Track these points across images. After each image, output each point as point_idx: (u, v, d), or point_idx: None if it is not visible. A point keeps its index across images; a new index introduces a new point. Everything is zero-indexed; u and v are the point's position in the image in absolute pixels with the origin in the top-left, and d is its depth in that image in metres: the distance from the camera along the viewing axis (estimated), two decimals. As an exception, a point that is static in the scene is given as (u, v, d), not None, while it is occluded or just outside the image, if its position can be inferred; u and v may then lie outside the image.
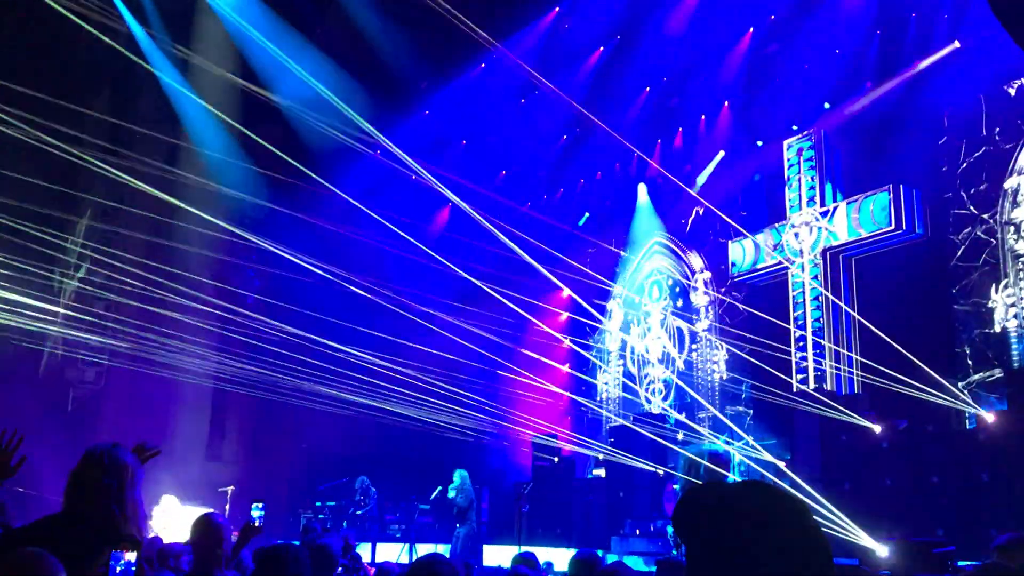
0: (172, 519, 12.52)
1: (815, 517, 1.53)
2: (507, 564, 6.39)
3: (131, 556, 2.69)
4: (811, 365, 14.39)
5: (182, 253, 16.63)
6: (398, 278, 18.57)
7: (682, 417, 16.78)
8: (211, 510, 5.94)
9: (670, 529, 10.50)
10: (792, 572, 1.43)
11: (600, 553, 12.16)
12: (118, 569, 2.64)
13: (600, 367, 19.91)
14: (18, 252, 14.05)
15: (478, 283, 15.37)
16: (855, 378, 13.96)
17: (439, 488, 15.55)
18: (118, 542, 2.78)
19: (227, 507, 14.20)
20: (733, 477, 11.00)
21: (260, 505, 4.93)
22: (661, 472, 14.08)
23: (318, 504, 17.03)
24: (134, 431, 15.97)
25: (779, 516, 1.48)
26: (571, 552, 12.84)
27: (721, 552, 1.47)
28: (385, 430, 17.84)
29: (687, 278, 17.88)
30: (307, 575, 3.56)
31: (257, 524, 4.83)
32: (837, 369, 14.10)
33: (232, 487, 14.72)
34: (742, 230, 15.57)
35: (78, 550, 2.73)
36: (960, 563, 7.90)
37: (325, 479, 17.62)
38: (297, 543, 6.30)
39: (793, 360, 14.67)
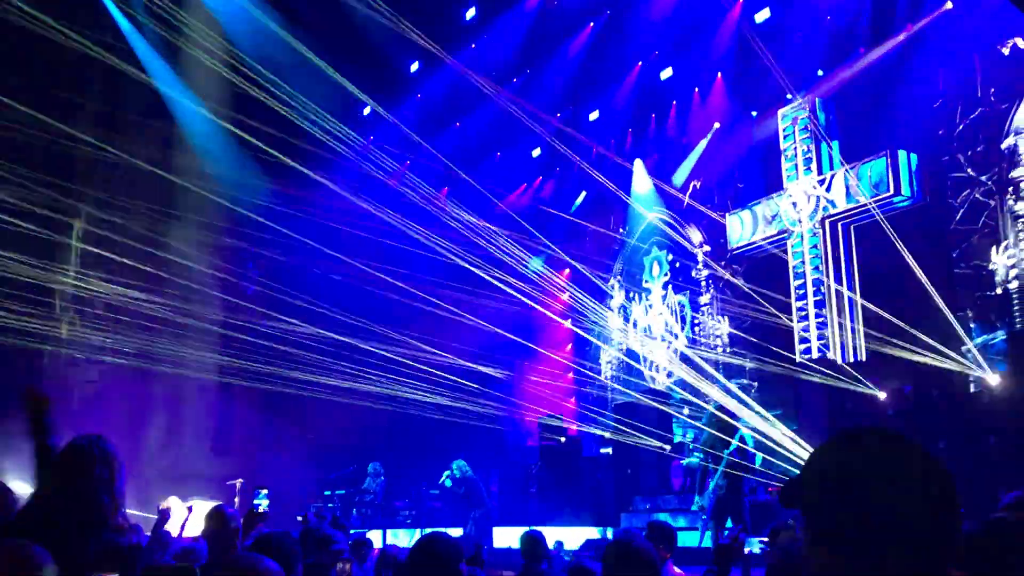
0: (175, 517, 12.47)
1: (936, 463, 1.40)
2: (516, 545, 6.40)
3: None
4: (814, 334, 14.37)
5: (181, 246, 16.59)
6: (398, 261, 18.51)
7: (686, 394, 16.80)
8: (219, 503, 5.93)
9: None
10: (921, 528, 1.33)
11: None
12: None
13: (603, 346, 19.91)
14: (16, 249, 14.03)
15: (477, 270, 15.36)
16: (858, 346, 13.94)
17: (447, 473, 15.58)
18: (106, 529, 2.77)
19: (236, 500, 14.21)
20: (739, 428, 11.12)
21: (265, 492, 4.92)
22: (667, 448, 14.10)
23: (327, 493, 17.07)
24: (140, 428, 16.02)
25: (903, 467, 1.36)
26: (582, 531, 12.89)
27: (849, 515, 1.35)
28: (392, 416, 17.86)
29: (687, 253, 17.84)
30: (296, 561, 3.53)
31: (261, 511, 4.83)
32: (840, 337, 14.08)
33: (240, 480, 14.73)
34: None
35: (66, 538, 2.72)
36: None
37: (333, 468, 17.65)
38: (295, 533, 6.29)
39: (796, 330, 14.65)
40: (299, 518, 11.19)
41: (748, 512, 10.34)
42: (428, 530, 13.08)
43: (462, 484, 14.88)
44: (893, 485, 1.34)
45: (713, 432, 10.58)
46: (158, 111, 16.54)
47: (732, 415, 11.04)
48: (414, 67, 18.33)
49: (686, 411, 16.25)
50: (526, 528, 6.57)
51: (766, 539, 7.03)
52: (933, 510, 1.34)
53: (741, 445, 10.24)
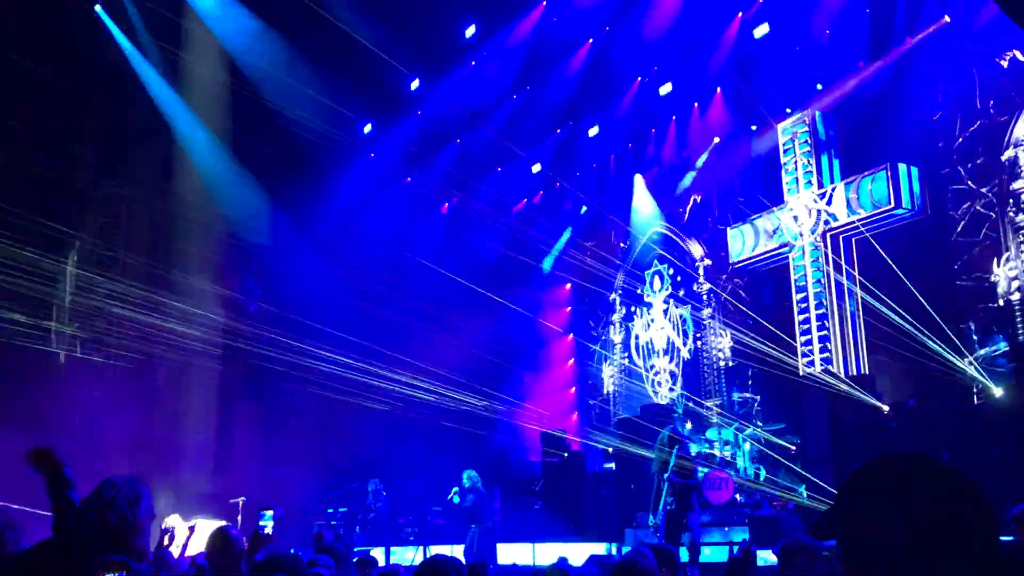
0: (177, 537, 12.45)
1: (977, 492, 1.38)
2: (522, 562, 6.36)
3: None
4: (816, 347, 14.36)
5: (182, 264, 16.62)
6: (400, 278, 18.54)
7: (689, 407, 16.77)
8: (224, 522, 5.92)
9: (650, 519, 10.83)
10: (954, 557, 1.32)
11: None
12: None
13: (605, 359, 19.88)
14: (18, 267, 14.04)
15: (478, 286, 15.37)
16: (861, 358, 13.93)
17: (455, 489, 15.54)
18: (121, 563, 2.78)
19: (239, 518, 14.18)
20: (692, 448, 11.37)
21: (269, 513, 4.90)
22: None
23: (330, 511, 17.01)
24: (142, 445, 15.97)
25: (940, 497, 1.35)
26: (586, 547, 12.83)
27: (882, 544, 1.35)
28: (395, 433, 17.83)
29: (688, 267, 17.84)
30: None
31: (267, 532, 4.81)
32: (843, 350, 14.07)
33: (243, 498, 14.69)
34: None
35: (87, 563, 2.74)
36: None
37: (335, 486, 17.60)
38: (302, 553, 6.27)
39: (798, 343, 14.64)
40: (318, 526, 11.16)
41: (697, 524, 10.67)
42: (432, 548, 13.01)
43: (471, 494, 14.85)
44: (933, 516, 1.34)
45: (660, 455, 10.99)
46: (159, 132, 16.59)
47: (682, 439, 11.29)
48: (414, 84, 18.37)
49: (689, 425, 16.21)
50: (532, 546, 6.53)
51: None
52: (974, 539, 1.34)
53: (679, 462, 10.60)
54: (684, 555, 10.31)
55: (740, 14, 15.19)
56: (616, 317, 19.83)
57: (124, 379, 16.90)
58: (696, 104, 16.88)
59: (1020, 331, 12.00)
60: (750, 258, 15.74)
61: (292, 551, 7.34)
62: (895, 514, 1.35)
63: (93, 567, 2.75)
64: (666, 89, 16.73)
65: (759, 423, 15.19)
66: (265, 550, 4.66)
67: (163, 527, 8.88)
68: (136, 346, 16.24)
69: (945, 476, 1.38)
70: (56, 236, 15.28)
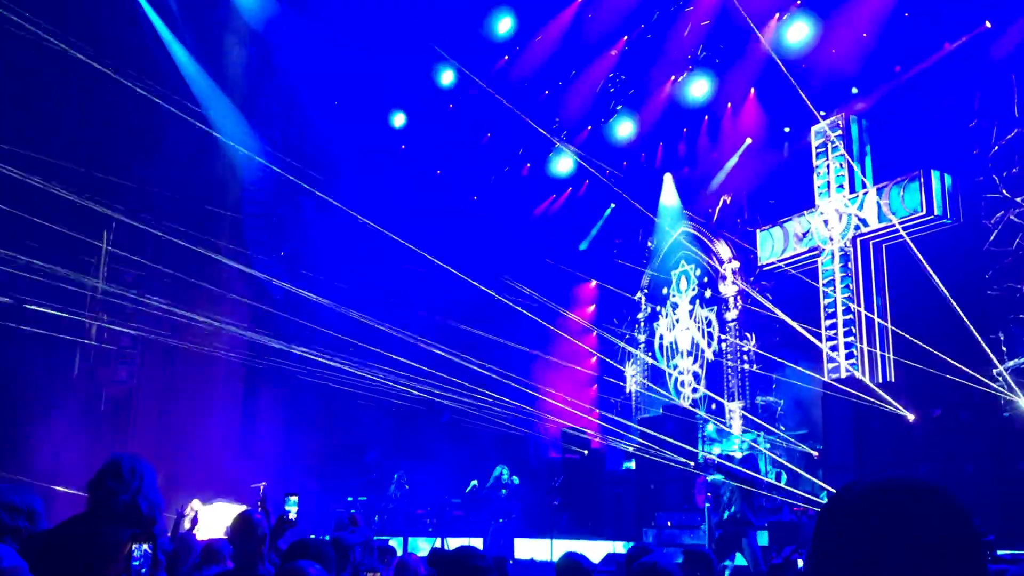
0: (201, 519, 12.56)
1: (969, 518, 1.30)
2: (540, 558, 6.36)
3: (146, 546, 2.74)
4: (842, 353, 14.26)
5: (212, 250, 16.74)
6: (426, 268, 18.55)
7: (712, 409, 16.72)
8: (247, 508, 5.97)
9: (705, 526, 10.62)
10: None
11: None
12: (136, 554, 2.70)
13: (629, 358, 19.83)
14: (49, 248, 14.18)
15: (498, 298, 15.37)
16: (888, 366, 13.81)
17: (474, 482, 15.58)
18: (147, 533, 2.83)
19: (260, 504, 14.25)
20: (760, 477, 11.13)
21: (294, 499, 4.95)
22: (692, 464, 14.02)
23: (349, 499, 17.11)
24: (166, 428, 16.13)
25: (929, 522, 1.28)
26: (603, 545, 12.83)
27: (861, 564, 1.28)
28: (416, 424, 17.89)
29: (715, 268, 17.75)
30: (332, 566, 3.57)
31: (291, 517, 4.85)
32: (869, 357, 13.96)
33: (264, 483, 14.77)
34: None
35: (108, 544, 2.79)
36: (1000, 552, 7.79)
37: (354, 474, 17.70)
38: (328, 537, 6.33)
39: (824, 348, 14.54)
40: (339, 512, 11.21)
41: (758, 548, 10.37)
42: (450, 539, 13.03)
43: (505, 488, 14.92)
44: (914, 547, 1.27)
45: (727, 482, 10.71)
46: (193, 115, 16.72)
47: (753, 468, 11.11)
48: (447, 78, 18.40)
49: (710, 427, 16.17)
50: (550, 542, 6.53)
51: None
52: (959, 565, 1.27)
53: (769, 493, 10.32)
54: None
55: (777, 15, 15.09)
56: (641, 316, 19.77)
57: (151, 364, 17.06)
58: (729, 104, 16.78)
59: (1051, 344, 11.85)
60: (779, 261, 15.63)
61: (312, 536, 7.40)
62: (877, 545, 1.28)
63: (121, 539, 2.80)
64: (700, 88, 16.65)
65: (782, 427, 15.11)
66: (288, 535, 4.71)
67: (186, 510, 8.96)
68: (164, 330, 16.38)
69: (930, 499, 1.31)
70: (88, 219, 15.43)
